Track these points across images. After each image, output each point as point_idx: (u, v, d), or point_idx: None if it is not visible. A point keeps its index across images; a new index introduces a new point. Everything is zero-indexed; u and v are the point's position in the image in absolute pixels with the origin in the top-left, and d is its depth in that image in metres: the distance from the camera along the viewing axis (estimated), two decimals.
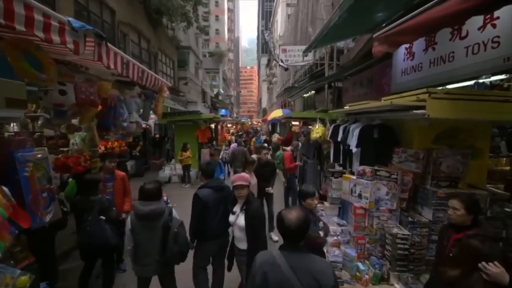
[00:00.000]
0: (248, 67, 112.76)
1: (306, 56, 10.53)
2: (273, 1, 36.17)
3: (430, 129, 2.74)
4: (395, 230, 2.57)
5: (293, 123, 10.78)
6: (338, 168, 3.89)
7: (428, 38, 3.43)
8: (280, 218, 1.58)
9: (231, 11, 65.10)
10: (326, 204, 3.70)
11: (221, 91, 38.29)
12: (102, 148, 4.92)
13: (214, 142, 12.08)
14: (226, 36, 54.16)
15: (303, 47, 13.20)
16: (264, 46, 53.67)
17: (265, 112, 39.22)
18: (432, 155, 2.64)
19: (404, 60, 4.05)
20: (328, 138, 4.32)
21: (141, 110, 5.43)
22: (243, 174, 3.21)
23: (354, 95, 7.72)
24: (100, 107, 4.08)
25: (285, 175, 6.48)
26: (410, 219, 2.58)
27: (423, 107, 2.23)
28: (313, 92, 11.64)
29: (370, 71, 6.15)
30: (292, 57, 12.92)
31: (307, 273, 1.44)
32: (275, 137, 9.71)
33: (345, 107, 3.91)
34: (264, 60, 51.22)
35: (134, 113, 4.87)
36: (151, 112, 5.88)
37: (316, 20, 11.74)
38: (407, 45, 3.91)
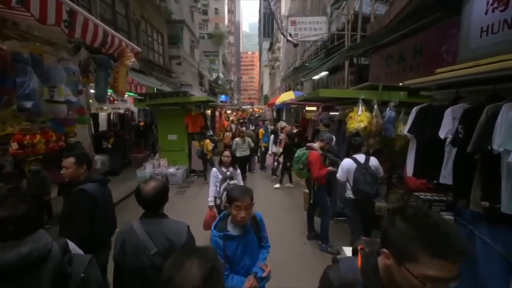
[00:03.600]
0: (249, 52, 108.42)
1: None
2: None
3: None
4: None
5: (308, 108, 8.71)
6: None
7: None
8: (138, 191, 1.61)
9: None
10: None
11: (221, 75, 35.84)
12: (15, 145, 2.93)
13: (211, 131, 10.01)
14: (226, 17, 50.93)
15: (317, 19, 11.12)
16: (266, 29, 50.52)
17: (266, 98, 36.83)
18: None
19: (486, 13, 2.76)
20: (405, 132, 2.33)
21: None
22: None
23: (388, 72, 6.03)
24: None
25: (309, 186, 4.00)
26: None
27: None
28: (325, 73, 9.57)
29: (418, 38, 4.61)
30: (303, 31, 10.97)
31: (161, 235, 1.54)
32: (287, 126, 7.60)
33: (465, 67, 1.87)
34: (266, 45, 48.74)
35: (62, 87, 2.87)
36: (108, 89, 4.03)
37: None
38: None
